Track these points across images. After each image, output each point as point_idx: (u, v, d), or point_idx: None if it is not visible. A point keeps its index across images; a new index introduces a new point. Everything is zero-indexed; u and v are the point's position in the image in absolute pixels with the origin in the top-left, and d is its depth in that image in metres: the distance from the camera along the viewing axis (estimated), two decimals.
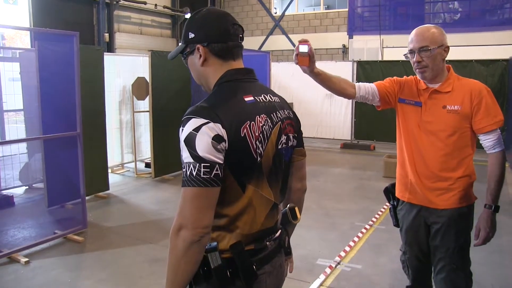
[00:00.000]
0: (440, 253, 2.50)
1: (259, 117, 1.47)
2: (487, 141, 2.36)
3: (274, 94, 1.64)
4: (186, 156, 1.35)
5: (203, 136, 1.34)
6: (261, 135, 1.46)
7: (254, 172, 1.46)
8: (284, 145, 1.58)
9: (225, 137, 1.37)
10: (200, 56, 1.54)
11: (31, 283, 3.86)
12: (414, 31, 2.41)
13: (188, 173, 1.34)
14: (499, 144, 2.36)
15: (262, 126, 1.47)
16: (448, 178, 2.42)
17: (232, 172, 1.42)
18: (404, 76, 2.61)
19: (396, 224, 2.72)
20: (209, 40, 1.52)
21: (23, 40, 15.65)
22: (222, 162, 1.36)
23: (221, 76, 1.54)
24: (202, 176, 1.33)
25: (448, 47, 2.37)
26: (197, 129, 1.35)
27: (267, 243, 1.58)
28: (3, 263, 4.24)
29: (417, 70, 2.42)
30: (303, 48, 2.22)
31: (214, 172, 1.34)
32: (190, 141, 1.35)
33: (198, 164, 1.33)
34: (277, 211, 1.63)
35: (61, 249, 4.60)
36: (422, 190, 2.48)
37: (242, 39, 1.59)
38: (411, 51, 2.40)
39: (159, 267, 4.12)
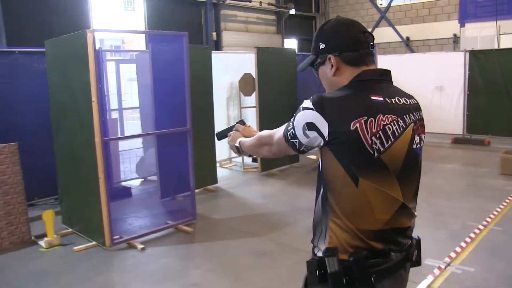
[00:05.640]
0: None
1: (383, 116, 1.45)
2: None
3: (410, 97, 1.61)
4: (292, 119, 1.55)
5: (301, 116, 1.50)
6: (380, 132, 1.43)
7: (372, 168, 1.44)
8: (418, 145, 1.57)
9: (324, 127, 1.44)
10: (332, 66, 1.57)
11: (147, 268, 4.14)
12: None
13: (288, 128, 1.58)
14: None
15: (384, 125, 1.44)
16: None
17: (341, 162, 1.44)
18: None
19: None
20: (341, 50, 1.55)
21: (139, 43, 16.81)
22: (302, 142, 1.53)
23: (356, 76, 1.54)
24: (288, 134, 1.57)
25: None
26: (304, 108, 1.50)
27: (392, 254, 1.51)
28: (124, 248, 4.59)
29: None
30: None
31: (294, 140, 1.55)
32: (296, 111, 1.53)
33: (291, 127, 1.55)
34: (409, 213, 1.56)
35: (172, 239, 4.86)
36: None
37: (373, 46, 1.59)
38: None
39: (265, 261, 4.17)
